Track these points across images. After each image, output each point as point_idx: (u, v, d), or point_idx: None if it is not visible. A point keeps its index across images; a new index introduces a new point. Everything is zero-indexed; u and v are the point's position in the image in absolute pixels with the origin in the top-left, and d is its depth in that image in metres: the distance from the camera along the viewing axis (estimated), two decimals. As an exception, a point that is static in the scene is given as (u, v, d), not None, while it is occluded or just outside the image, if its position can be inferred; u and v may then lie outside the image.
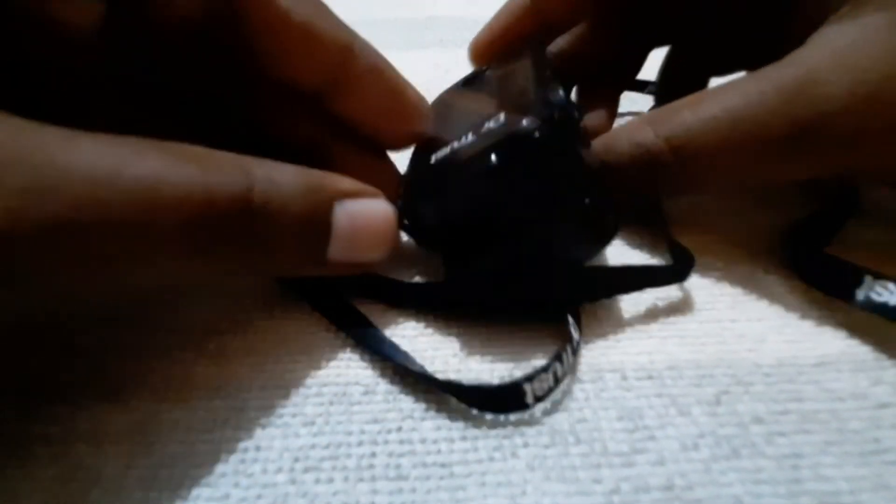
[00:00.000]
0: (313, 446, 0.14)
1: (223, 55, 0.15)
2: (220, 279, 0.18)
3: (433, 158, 0.17)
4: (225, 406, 0.15)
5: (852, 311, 0.17)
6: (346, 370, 0.16)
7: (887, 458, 0.14)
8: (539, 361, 0.16)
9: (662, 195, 0.19)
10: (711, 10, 0.22)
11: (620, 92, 0.25)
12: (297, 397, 0.15)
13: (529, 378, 0.14)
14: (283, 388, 0.15)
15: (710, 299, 0.18)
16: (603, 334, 0.17)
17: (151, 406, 0.15)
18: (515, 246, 0.16)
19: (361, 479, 0.13)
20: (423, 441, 0.14)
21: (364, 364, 0.16)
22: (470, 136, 0.16)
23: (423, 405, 0.15)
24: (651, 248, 0.20)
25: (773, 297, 0.18)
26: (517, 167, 0.15)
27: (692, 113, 0.17)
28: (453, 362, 0.16)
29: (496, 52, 0.22)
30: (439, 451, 0.14)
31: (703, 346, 0.16)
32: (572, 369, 0.16)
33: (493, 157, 0.15)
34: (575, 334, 0.16)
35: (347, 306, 0.17)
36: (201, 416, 0.15)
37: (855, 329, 0.17)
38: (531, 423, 0.14)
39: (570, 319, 0.16)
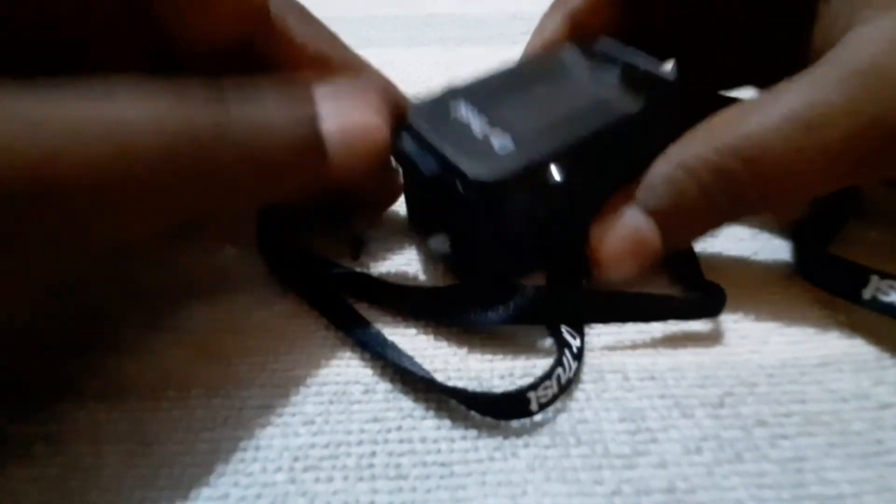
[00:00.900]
0: (313, 445, 0.14)
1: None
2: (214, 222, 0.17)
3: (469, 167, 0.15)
4: (224, 405, 0.15)
5: (854, 312, 0.17)
6: (346, 369, 0.16)
7: (889, 460, 0.14)
8: (539, 361, 0.16)
9: (735, 219, 0.17)
10: (719, 25, 0.21)
11: None
12: (296, 396, 0.15)
13: (534, 386, 0.14)
14: (283, 387, 0.15)
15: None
16: (604, 334, 0.17)
17: (151, 405, 0.15)
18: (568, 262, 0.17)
19: (361, 479, 0.13)
20: (423, 440, 0.14)
21: (364, 363, 0.16)
22: (509, 144, 0.16)
23: (423, 404, 0.15)
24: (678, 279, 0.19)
25: (775, 298, 0.18)
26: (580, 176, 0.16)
27: (754, 124, 0.15)
28: (453, 362, 0.16)
29: None
30: (439, 451, 0.14)
31: (706, 347, 0.16)
32: (576, 375, 0.15)
33: (556, 172, 0.16)
34: (574, 341, 0.16)
35: (348, 307, 0.17)
36: (201, 416, 0.15)
37: (857, 329, 0.17)
38: (532, 423, 0.14)
39: (563, 328, 0.16)
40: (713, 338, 0.17)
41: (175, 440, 0.14)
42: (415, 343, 0.16)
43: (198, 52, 0.16)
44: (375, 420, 0.14)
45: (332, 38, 0.18)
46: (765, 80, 0.17)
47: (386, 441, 0.14)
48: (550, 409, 0.15)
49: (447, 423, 0.14)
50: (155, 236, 0.13)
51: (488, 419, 0.14)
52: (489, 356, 0.16)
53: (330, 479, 0.13)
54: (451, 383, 0.15)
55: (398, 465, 0.13)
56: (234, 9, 0.16)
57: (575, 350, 0.15)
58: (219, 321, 0.17)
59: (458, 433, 0.14)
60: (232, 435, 0.14)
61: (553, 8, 0.22)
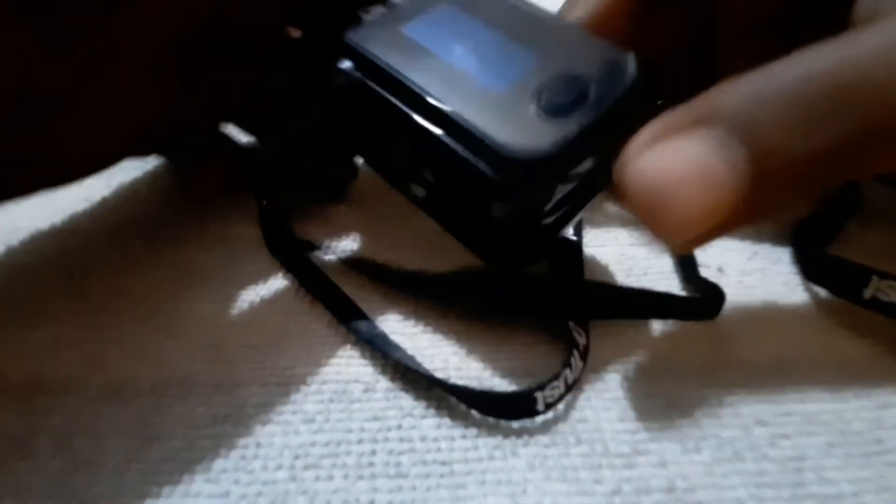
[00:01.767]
0: (313, 444, 0.14)
1: None
2: None
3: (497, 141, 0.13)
4: (225, 403, 0.15)
5: (854, 311, 0.17)
6: (347, 368, 0.16)
7: (889, 460, 0.14)
8: (539, 361, 0.16)
9: (839, 179, 0.13)
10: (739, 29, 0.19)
11: None
12: (297, 394, 0.15)
13: (541, 386, 0.14)
14: (283, 385, 0.15)
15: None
16: (604, 334, 0.17)
17: (152, 401, 0.15)
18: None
19: (361, 477, 0.13)
20: (423, 439, 0.14)
21: (364, 361, 0.16)
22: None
23: (423, 403, 0.15)
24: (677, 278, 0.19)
25: (775, 298, 0.18)
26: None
27: (854, 47, 0.11)
28: (453, 361, 0.16)
29: None
30: (439, 450, 0.14)
31: (706, 346, 0.16)
32: (582, 374, 0.15)
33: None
34: (581, 339, 0.16)
35: (353, 307, 0.17)
36: (202, 413, 0.15)
37: (857, 329, 0.17)
38: (532, 422, 0.14)
39: (572, 325, 0.16)
40: (713, 337, 0.17)
41: (176, 436, 0.14)
42: (415, 342, 0.16)
43: None
44: (375, 419, 0.14)
45: None
46: None
47: (386, 440, 0.14)
48: (548, 411, 0.15)
49: (447, 421, 0.14)
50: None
51: (489, 418, 0.14)
52: (489, 356, 0.16)
53: (330, 478, 0.13)
54: (451, 382, 0.15)
55: (398, 464, 0.14)
56: None
57: (581, 349, 0.15)
58: (220, 318, 0.17)
59: (458, 432, 0.14)
60: (233, 432, 0.14)
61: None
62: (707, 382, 0.15)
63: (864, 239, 0.19)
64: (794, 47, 0.13)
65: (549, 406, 0.14)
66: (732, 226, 0.11)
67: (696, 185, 0.11)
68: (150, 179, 0.24)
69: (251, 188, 0.21)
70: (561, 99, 0.13)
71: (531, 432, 0.14)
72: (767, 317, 0.17)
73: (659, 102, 0.13)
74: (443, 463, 0.14)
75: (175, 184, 0.24)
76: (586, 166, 0.13)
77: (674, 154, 0.11)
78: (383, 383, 0.15)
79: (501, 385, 0.15)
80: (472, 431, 0.14)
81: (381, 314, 0.17)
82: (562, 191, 0.13)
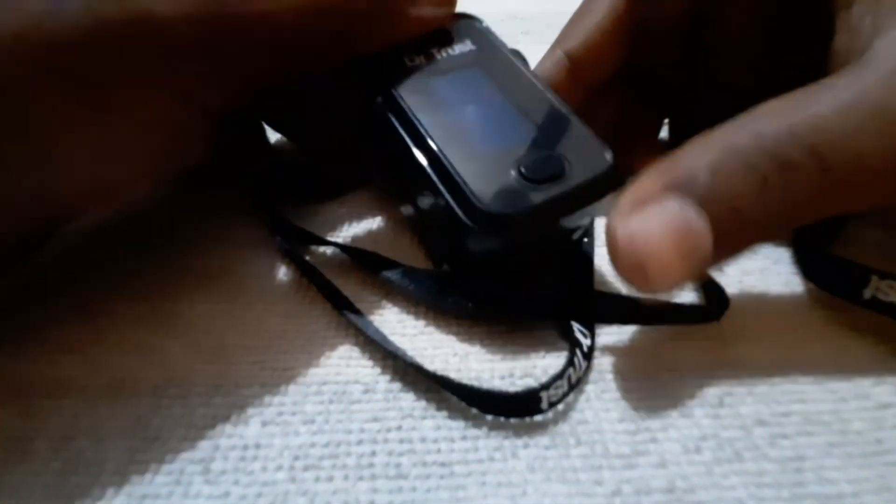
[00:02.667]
0: (313, 444, 0.14)
1: None
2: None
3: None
4: (225, 403, 0.15)
5: (854, 312, 0.17)
6: (346, 368, 0.16)
7: (889, 460, 0.14)
8: (539, 362, 0.16)
9: (791, 226, 0.15)
10: (726, 56, 0.20)
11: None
12: (296, 395, 0.15)
13: (546, 386, 0.14)
14: (283, 385, 0.15)
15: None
16: (605, 334, 0.17)
17: (152, 402, 0.15)
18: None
19: (361, 478, 0.13)
20: (423, 440, 0.14)
21: (364, 362, 0.16)
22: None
23: (423, 404, 0.15)
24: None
25: (775, 298, 0.18)
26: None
27: (813, 112, 0.13)
28: (453, 362, 0.16)
29: None
30: (439, 451, 0.14)
31: (706, 347, 0.16)
32: (586, 374, 0.15)
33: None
34: (585, 340, 0.16)
35: (352, 307, 0.17)
36: (201, 413, 0.15)
37: (857, 329, 0.17)
38: (532, 423, 0.14)
39: (576, 326, 0.16)
40: (713, 337, 0.17)
41: (176, 437, 0.14)
42: (415, 343, 0.16)
43: None
44: (375, 419, 0.14)
45: None
46: None
47: (386, 441, 0.14)
48: (550, 410, 0.15)
49: (447, 422, 0.14)
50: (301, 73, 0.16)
51: (488, 419, 0.14)
52: (489, 357, 0.16)
53: (330, 479, 0.13)
54: (455, 381, 0.15)
55: (398, 465, 0.14)
56: None
57: (586, 349, 0.15)
58: (220, 319, 0.17)
59: (458, 433, 0.14)
60: (232, 433, 0.14)
61: (552, 47, 0.22)
62: (707, 382, 0.15)
63: (865, 239, 0.19)
64: (784, 59, 0.17)
65: (552, 405, 0.14)
66: (703, 271, 0.14)
67: (669, 247, 0.13)
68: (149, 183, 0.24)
69: (254, 188, 0.21)
70: (539, 171, 0.15)
71: (531, 434, 0.14)
72: (767, 317, 0.17)
73: (614, 188, 0.15)
74: (443, 464, 0.13)
75: (175, 184, 0.24)
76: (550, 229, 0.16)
77: (650, 222, 0.13)
78: (383, 384, 0.15)
79: (502, 386, 0.15)
80: (473, 433, 0.14)
81: (381, 315, 0.17)
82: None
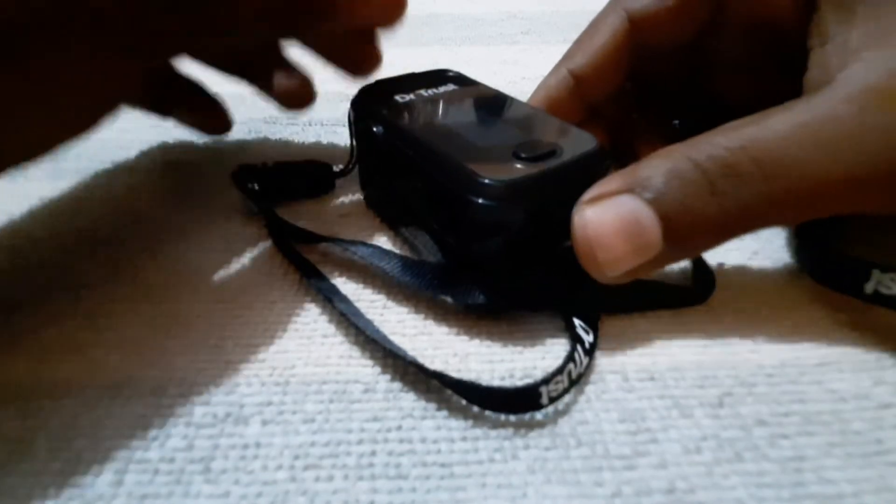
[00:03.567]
0: (313, 444, 0.14)
1: None
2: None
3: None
4: (225, 402, 0.15)
5: (855, 311, 0.17)
6: (347, 368, 0.16)
7: (889, 460, 0.14)
8: (540, 363, 0.16)
9: (743, 230, 0.16)
10: (722, 76, 0.22)
11: None
12: (296, 394, 0.15)
13: (546, 381, 0.14)
14: (283, 384, 0.15)
15: (713, 300, 0.18)
16: (604, 335, 0.17)
17: (152, 402, 0.15)
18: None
19: (361, 478, 0.13)
20: (423, 440, 0.14)
21: (364, 362, 0.16)
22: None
23: (423, 404, 0.15)
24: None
25: (775, 298, 0.18)
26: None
27: (764, 129, 0.15)
28: (453, 362, 0.16)
29: None
30: (439, 451, 0.14)
31: (706, 347, 0.16)
32: (587, 370, 0.15)
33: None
34: (587, 336, 0.16)
35: (350, 305, 0.17)
36: (201, 412, 0.15)
37: (857, 329, 0.17)
38: (532, 424, 0.14)
39: (577, 322, 0.16)
40: (713, 338, 0.17)
41: (175, 436, 0.14)
42: (415, 343, 0.16)
43: None
44: (375, 419, 0.14)
45: None
46: None
47: (386, 440, 0.14)
48: (550, 410, 0.15)
49: (447, 423, 0.14)
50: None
51: (489, 420, 0.14)
52: (489, 357, 0.16)
53: (330, 478, 0.13)
54: (454, 377, 0.15)
55: (398, 465, 0.13)
56: None
57: (587, 345, 0.15)
58: (220, 319, 0.17)
59: (458, 434, 0.14)
60: (232, 432, 0.14)
61: (557, 65, 0.23)
62: (707, 383, 0.15)
63: (865, 234, 0.19)
64: (777, 78, 0.19)
65: (552, 400, 0.14)
66: (659, 264, 0.15)
67: (617, 236, 0.15)
68: (150, 181, 0.24)
69: (251, 190, 0.21)
70: (534, 151, 0.17)
71: (531, 435, 0.14)
72: (767, 316, 0.17)
73: (605, 165, 0.17)
74: (443, 465, 0.13)
75: (174, 184, 0.24)
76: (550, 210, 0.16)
77: (602, 213, 0.15)
78: (383, 384, 0.15)
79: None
80: (473, 433, 0.14)
81: (381, 315, 0.17)
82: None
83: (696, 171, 0.15)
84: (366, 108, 0.20)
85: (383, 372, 0.16)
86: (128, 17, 0.14)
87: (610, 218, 0.15)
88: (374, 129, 0.19)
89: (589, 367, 0.16)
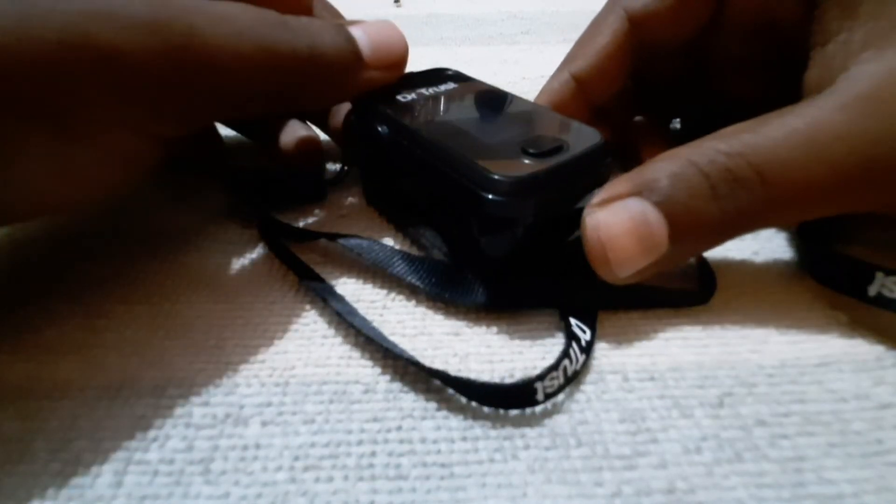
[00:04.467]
0: (313, 444, 0.14)
1: None
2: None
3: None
4: (224, 403, 0.15)
5: (855, 311, 0.17)
6: (346, 368, 0.16)
7: (889, 460, 0.13)
8: (539, 363, 0.16)
9: (742, 231, 0.17)
10: (723, 78, 0.22)
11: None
12: (296, 395, 0.15)
13: (541, 377, 0.14)
14: (283, 385, 0.15)
15: (713, 300, 0.18)
16: (604, 335, 0.17)
17: (152, 402, 0.15)
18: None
19: (361, 479, 0.13)
20: (423, 441, 0.14)
21: (364, 362, 0.16)
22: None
23: (423, 404, 0.15)
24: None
25: (775, 298, 0.18)
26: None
27: (761, 135, 0.16)
28: (453, 362, 0.16)
29: None
30: (439, 451, 0.14)
31: (706, 347, 0.16)
32: (584, 367, 0.16)
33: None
34: (584, 335, 0.16)
35: (348, 306, 0.17)
36: (201, 413, 0.15)
37: (857, 329, 0.17)
38: (532, 424, 0.14)
39: (574, 320, 0.16)
40: (713, 338, 0.17)
41: (175, 437, 0.14)
42: (415, 343, 0.16)
43: None
44: (375, 420, 0.14)
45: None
46: None
47: (386, 441, 0.14)
48: (551, 411, 0.15)
49: (447, 423, 0.14)
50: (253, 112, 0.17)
51: (489, 420, 0.14)
52: (489, 357, 0.16)
53: (330, 479, 0.13)
54: (450, 374, 0.15)
55: (398, 466, 0.13)
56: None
57: (584, 343, 0.16)
58: (220, 319, 0.17)
59: (458, 434, 0.14)
60: (232, 433, 0.14)
61: (559, 68, 0.23)
62: (707, 383, 0.15)
63: (868, 236, 0.19)
64: (779, 75, 0.19)
65: (548, 396, 0.14)
66: (664, 264, 0.16)
67: (627, 237, 0.15)
68: (150, 181, 0.24)
69: (248, 193, 0.21)
70: (541, 147, 0.17)
71: (532, 435, 0.14)
72: (768, 317, 0.17)
73: (608, 160, 0.17)
74: (443, 465, 0.13)
75: (175, 185, 0.24)
76: (560, 203, 0.17)
77: (614, 216, 0.15)
78: (383, 384, 0.15)
79: (501, 386, 0.15)
80: (473, 434, 0.14)
81: (381, 315, 0.17)
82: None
83: (699, 175, 0.15)
84: (368, 108, 0.20)
85: (383, 372, 0.16)
86: (152, 91, 0.14)
87: (621, 220, 0.15)
88: (379, 128, 0.19)
89: (586, 365, 0.16)
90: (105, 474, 0.13)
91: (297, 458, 0.14)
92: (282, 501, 0.13)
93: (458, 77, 0.23)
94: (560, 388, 0.15)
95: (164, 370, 0.16)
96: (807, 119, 0.15)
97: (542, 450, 0.14)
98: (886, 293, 0.16)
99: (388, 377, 0.16)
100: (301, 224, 0.21)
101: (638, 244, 0.15)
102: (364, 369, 0.16)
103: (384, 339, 0.16)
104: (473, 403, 0.15)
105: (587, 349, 0.16)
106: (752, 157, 0.15)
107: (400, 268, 0.18)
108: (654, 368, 0.16)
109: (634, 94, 0.25)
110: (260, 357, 0.16)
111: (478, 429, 0.14)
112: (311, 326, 0.17)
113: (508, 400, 0.14)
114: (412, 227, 0.20)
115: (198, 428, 0.14)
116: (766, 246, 0.20)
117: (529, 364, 0.16)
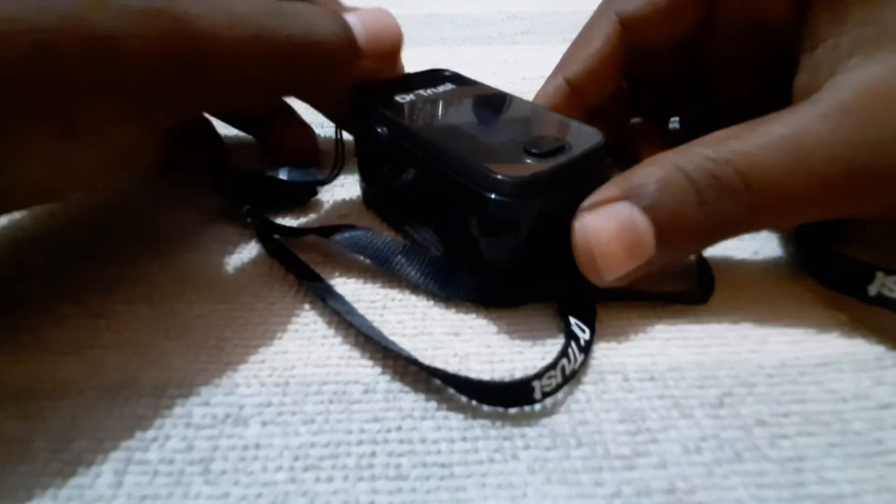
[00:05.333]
0: (313, 445, 0.14)
1: None
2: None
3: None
4: (224, 403, 0.15)
5: (855, 311, 0.17)
6: (346, 368, 0.16)
7: (889, 460, 0.14)
8: (539, 363, 0.16)
9: (727, 236, 0.17)
10: (716, 82, 0.23)
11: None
12: (296, 395, 0.15)
13: (538, 375, 0.14)
14: (283, 385, 0.15)
15: (713, 300, 0.18)
16: (604, 335, 0.17)
17: (151, 402, 0.15)
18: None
19: (361, 479, 0.13)
20: (423, 441, 0.14)
21: (364, 362, 0.16)
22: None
23: (423, 404, 0.15)
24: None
25: (775, 298, 0.18)
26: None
27: (746, 142, 0.16)
28: (453, 362, 0.16)
29: None
30: (439, 452, 0.14)
31: (706, 347, 0.16)
32: (582, 367, 0.16)
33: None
34: (582, 334, 0.16)
35: (348, 305, 0.17)
36: (201, 413, 0.15)
37: (857, 329, 0.17)
38: (532, 424, 0.14)
39: (573, 320, 0.16)
40: (713, 338, 0.17)
41: (175, 437, 0.14)
42: (415, 343, 0.16)
43: None
44: (375, 420, 0.14)
45: None
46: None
47: (386, 441, 0.14)
48: (551, 411, 0.15)
49: (447, 423, 0.14)
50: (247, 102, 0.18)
51: (489, 420, 0.14)
52: (489, 357, 0.16)
53: (330, 479, 0.13)
54: (448, 371, 0.15)
55: (398, 466, 0.13)
56: None
57: (583, 343, 0.16)
58: (220, 319, 0.17)
59: (458, 434, 0.14)
60: (232, 433, 0.14)
61: (554, 72, 0.23)
62: (707, 383, 0.15)
63: (867, 236, 0.19)
64: (771, 76, 0.20)
65: (546, 395, 0.14)
66: (650, 267, 0.16)
67: (615, 242, 0.15)
68: (150, 181, 0.24)
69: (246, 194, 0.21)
70: (543, 147, 0.17)
71: (532, 435, 0.14)
72: (768, 317, 0.17)
73: (609, 160, 0.18)
74: (443, 465, 0.13)
75: (174, 185, 0.24)
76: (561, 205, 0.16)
77: (602, 220, 0.16)
78: (383, 384, 0.15)
79: (501, 386, 0.15)
80: (473, 434, 0.14)
81: (381, 315, 0.17)
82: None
83: (686, 181, 0.16)
84: (367, 109, 0.20)
85: (383, 372, 0.16)
86: (148, 84, 0.15)
87: (608, 224, 0.16)
88: (379, 129, 0.19)
89: (585, 364, 0.16)
90: (105, 474, 0.13)
91: (297, 459, 0.14)
92: (282, 501, 0.13)
93: (456, 78, 0.23)
94: (558, 387, 0.15)
95: (164, 370, 0.16)
96: (792, 127, 0.16)
97: (542, 450, 0.14)
98: (886, 293, 0.16)
99: (388, 377, 0.16)
100: (301, 224, 0.21)
101: (625, 249, 0.15)
102: (364, 369, 0.16)
103: (384, 338, 0.16)
104: (473, 403, 0.15)
105: (586, 348, 0.16)
106: (739, 164, 0.15)
107: (398, 260, 0.18)
108: (654, 368, 0.16)
109: (631, 95, 0.25)
110: (260, 357, 0.16)
111: (478, 429, 0.14)
112: (310, 326, 0.17)
113: (506, 398, 0.14)
114: (410, 229, 0.20)
115: (198, 428, 0.14)
116: (765, 246, 0.20)
117: (529, 364, 0.16)
